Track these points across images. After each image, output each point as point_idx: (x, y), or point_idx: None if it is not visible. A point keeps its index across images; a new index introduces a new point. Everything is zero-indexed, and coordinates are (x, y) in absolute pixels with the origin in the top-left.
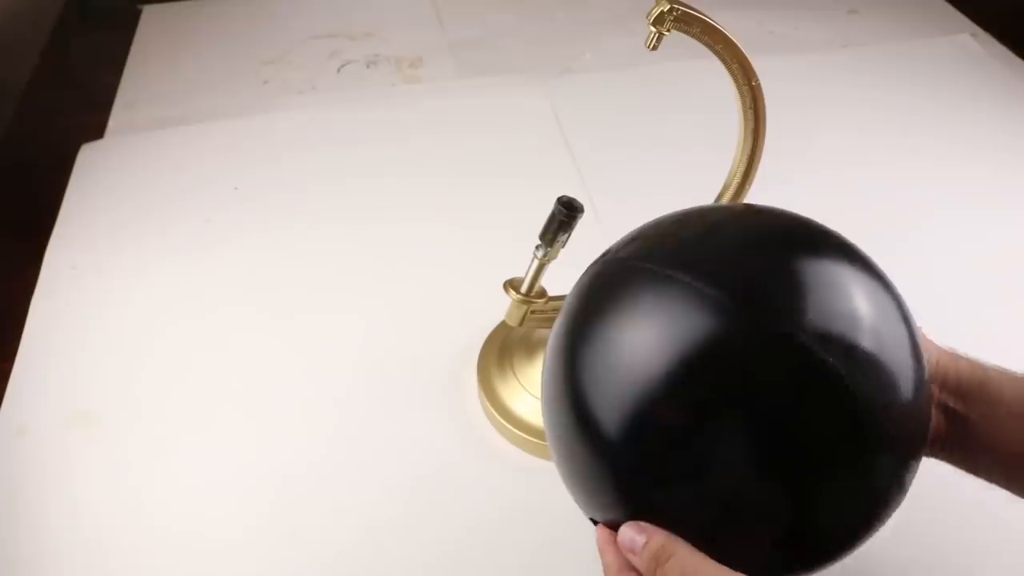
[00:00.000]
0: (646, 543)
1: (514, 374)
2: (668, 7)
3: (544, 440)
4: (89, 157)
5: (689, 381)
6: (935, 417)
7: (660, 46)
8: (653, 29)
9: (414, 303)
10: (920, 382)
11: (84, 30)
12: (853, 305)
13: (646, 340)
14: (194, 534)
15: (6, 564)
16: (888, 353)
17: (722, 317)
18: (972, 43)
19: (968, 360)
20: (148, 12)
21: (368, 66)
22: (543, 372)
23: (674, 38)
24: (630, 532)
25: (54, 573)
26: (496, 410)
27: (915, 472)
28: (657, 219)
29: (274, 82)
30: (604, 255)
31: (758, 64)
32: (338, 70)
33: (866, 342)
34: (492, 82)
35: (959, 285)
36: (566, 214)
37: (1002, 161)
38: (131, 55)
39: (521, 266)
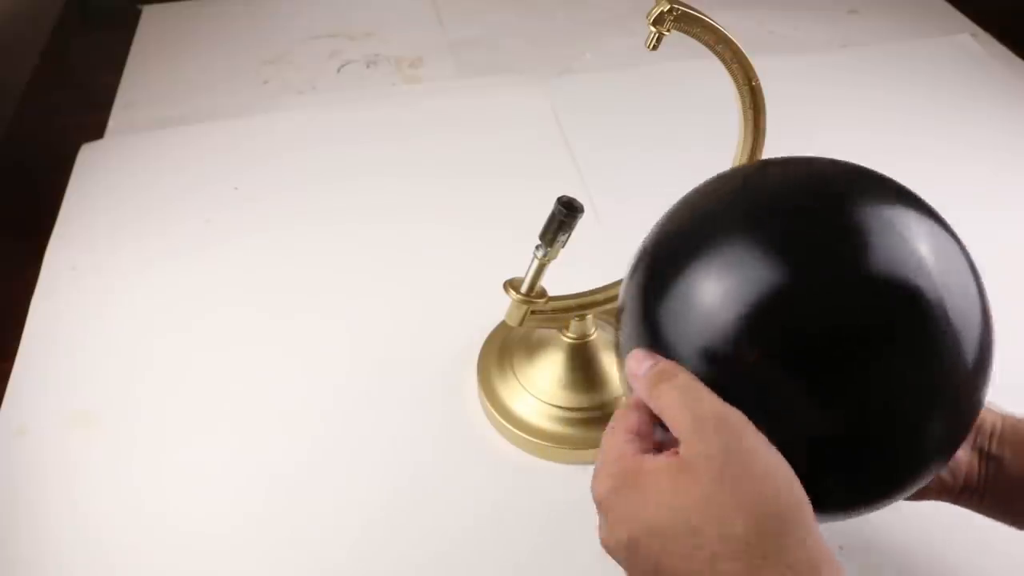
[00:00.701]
0: (654, 364)
1: (514, 374)
2: (668, 7)
3: (544, 440)
4: (89, 157)
5: (760, 324)
6: (969, 462)
7: (660, 46)
8: (653, 29)
9: (414, 303)
10: (985, 341)
11: (84, 30)
12: (921, 255)
13: (720, 288)
14: (194, 534)
15: (6, 564)
16: (956, 306)
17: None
18: (972, 43)
19: (1003, 413)
20: (148, 12)
21: (368, 66)
22: (622, 314)
23: (674, 38)
24: (639, 355)
25: (54, 573)
26: (496, 410)
27: (958, 444)
28: (693, 191)
29: (274, 82)
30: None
31: (758, 64)
32: (338, 70)
33: (933, 293)
34: (492, 82)
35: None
36: (566, 214)
37: (1002, 161)
38: (131, 55)
39: (521, 266)
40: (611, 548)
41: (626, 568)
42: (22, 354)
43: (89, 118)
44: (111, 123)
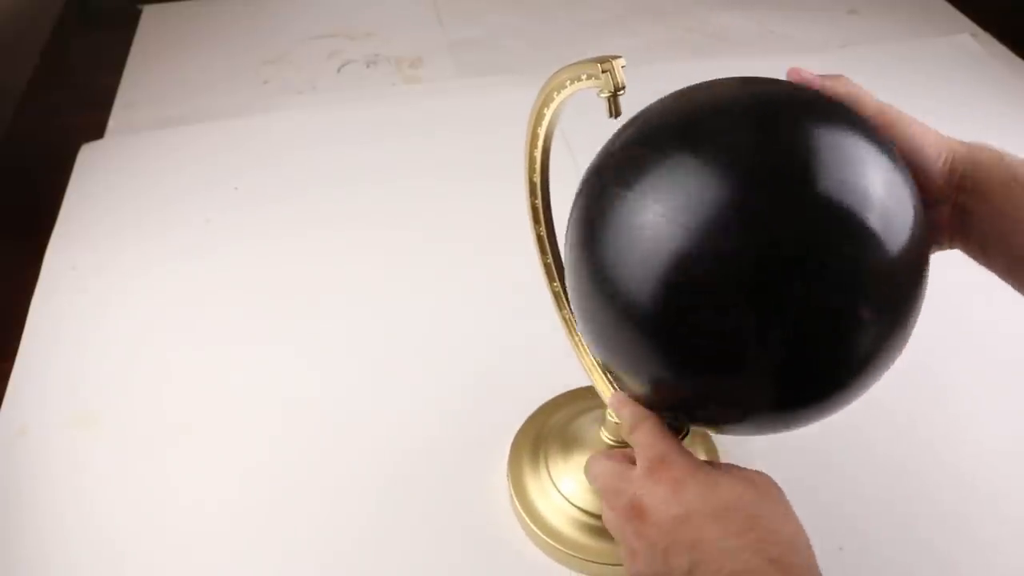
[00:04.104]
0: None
1: (547, 467)
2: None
3: (564, 547)
4: (89, 157)
5: (709, 248)
6: (944, 212)
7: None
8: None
9: (415, 305)
10: (918, 242)
11: (84, 30)
12: (857, 172)
13: (666, 213)
14: (194, 533)
15: (7, 564)
16: (891, 213)
17: (737, 185)
18: (972, 43)
19: (992, 153)
20: (148, 12)
21: (368, 66)
22: (567, 251)
23: (675, 38)
24: (618, 401)
25: (55, 573)
26: (522, 504)
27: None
28: (657, 101)
29: (274, 82)
30: (609, 147)
31: (758, 64)
32: (338, 70)
33: (870, 209)
34: (492, 82)
35: (959, 285)
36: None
37: None
38: (131, 55)
39: (522, 266)
40: (660, 520)
41: (661, 543)
42: (22, 354)
43: (89, 118)
44: (111, 123)
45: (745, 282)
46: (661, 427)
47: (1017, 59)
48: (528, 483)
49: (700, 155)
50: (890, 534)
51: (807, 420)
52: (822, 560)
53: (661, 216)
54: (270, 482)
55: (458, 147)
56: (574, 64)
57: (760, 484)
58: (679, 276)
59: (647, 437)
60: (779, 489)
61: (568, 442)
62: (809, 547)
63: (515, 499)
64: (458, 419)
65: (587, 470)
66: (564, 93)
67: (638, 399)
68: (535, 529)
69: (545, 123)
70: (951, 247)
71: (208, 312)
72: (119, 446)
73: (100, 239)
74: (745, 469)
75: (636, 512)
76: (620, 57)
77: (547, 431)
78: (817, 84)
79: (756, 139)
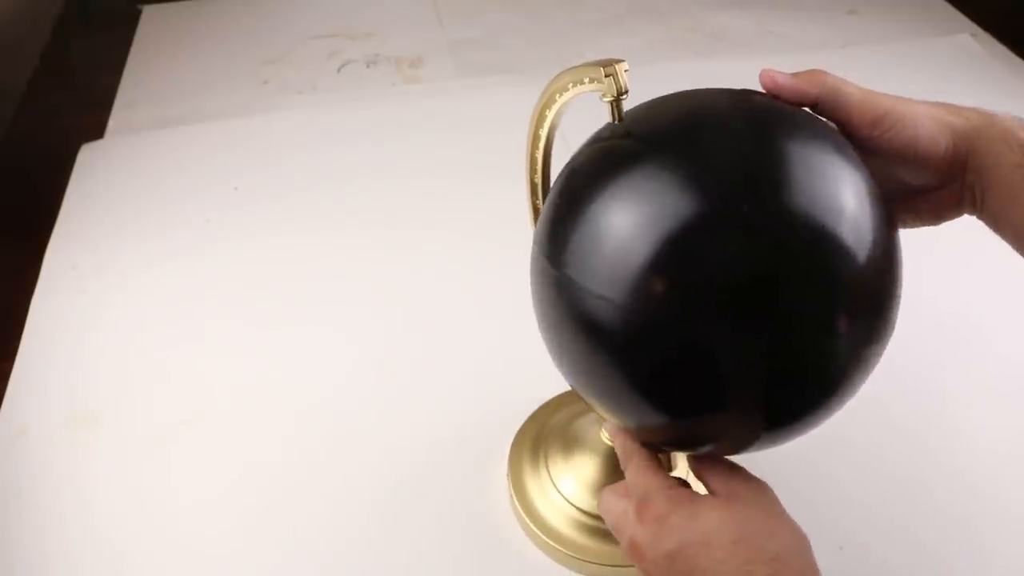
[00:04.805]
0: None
1: (547, 467)
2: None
3: (562, 546)
4: (89, 157)
5: (672, 258)
6: (953, 190)
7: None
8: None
9: (415, 305)
10: (888, 250)
11: (84, 30)
12: (825, 184)
13: (630, 222)
14: (195, 533)
15: (7, 564)
16: (856, 227)
17: (700, 195)
18: (972, 43)
19: (992, 125)
20: (148, 12)
21: (368, 66)
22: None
23: (674, 38)
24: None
25: (56, 573)
26: (521, 504)
27: (881, 341)
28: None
29: (274, 82)
30: (582, 149)
31: (758, 64)
32: (338, 70)
33: (835, 219)
34: (492, 82)
35: (958, 284)
36: None
37: None
38: (131, 55)
39: (521, 268)
40: (655, 557)
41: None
42: (22, 354)
43: (89, 118)
44: (111, 123)
45: (717, 296)
46: (647, 462)
47: (1017, 59)
48: (528, 483)
49: (671, 165)
50: (890, 534)
51: (790, 437)
52: (822, 560)
53: (629, 226)
54: (270, 481)
55: (458, 147)
56: (577, 67)
57: (746, 500)
58: (649, 287)
59: (633, 476)
60: (769, 498)
61: (568, 442)
62: (803, 553)
63: (515, 499)
64: (459, 418)
65: (599, 505)
66: (566, 96)
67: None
68: (535, 529)
69: (547, 124)
70: (960, 215)
71: (208, 312)
72: (119, 446)
73: (100, 239)
74: (733, 481)
75: (635, 551)
76: (623, 61)
77: (547, 431)
78: (790, 84)
79: (728, 151)
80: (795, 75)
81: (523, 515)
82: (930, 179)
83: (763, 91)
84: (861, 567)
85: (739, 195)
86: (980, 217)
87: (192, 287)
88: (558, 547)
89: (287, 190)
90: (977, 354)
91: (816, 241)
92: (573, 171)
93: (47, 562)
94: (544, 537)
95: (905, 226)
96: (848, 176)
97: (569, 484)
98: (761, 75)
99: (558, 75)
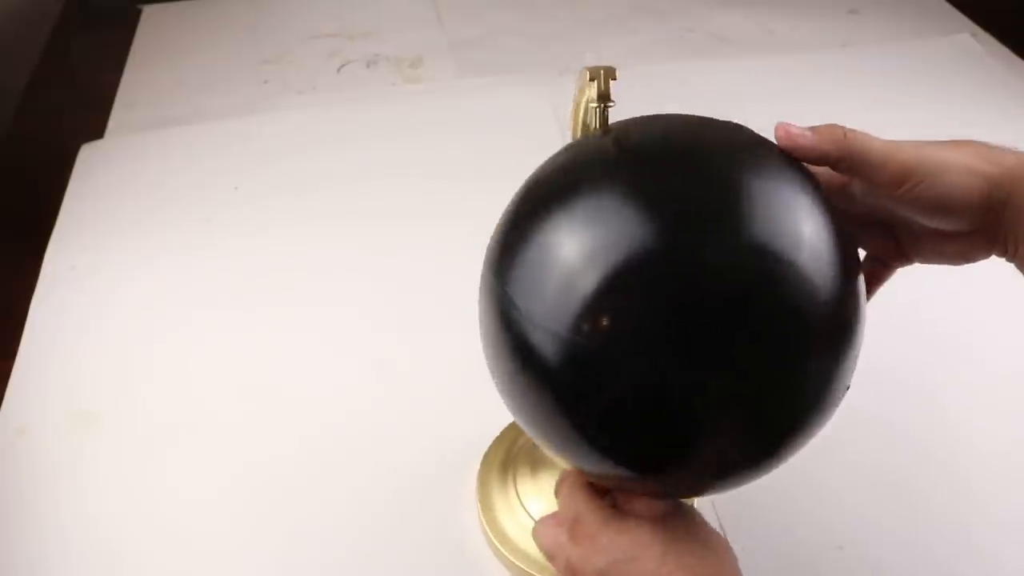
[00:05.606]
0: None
1: (515, 486)
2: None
3: (529, 567)
4: (89, 157)
5: (619, 290)
6: (984, 236)
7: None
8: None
9: (415, 306)
10: (849, 286)
11: (84, 30)
12: (786, 219)
13: (580, 249)
14: (196, 532)
15: (7, 564)
16: (812, 260)
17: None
18: (972, 43)
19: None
20: (148, 12)
21: (368, 66)
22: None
23: (675, 38)
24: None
25: (56, 572)
26: (489, 525)
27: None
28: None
29: (274, 82)
30: (542, 168)
31: (758, 64)
32: (338, 70)
33: (793, 253)
34: (492, 82)
35: (958, 284)
36: None
37: None
38: (131, 55)
39: None
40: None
41: None
42: (22, 354)
43: (89, 118)
44: (111, 123)
45: (670, 331)
46: (577, 483)
47: (1017, 59)
48: (496, 502)
49: (625, 192)
50: (890, 534)
51: (750, 478)
52: (822, 559)
53: (578, 253)
54: (270, 481)
55: (458, 147)
56: (585, 68)
57: (671, 521)
58: (596, 319)
59: (565, 499)
60: (692, 519)
61: (536, 461)
62: (729, 565)
63: (483, 518)
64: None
65: (533, 535)
66: (583, 97)
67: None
68: (502, 549)
69: (580, 122)
70: (988, 257)
71: (208, 312)
72: (119, 446)
73: (100, 239)
74: (659, 504)
75: (571, 574)
76: (613, 68)
77: (517, 449)
78: (807, 141)
79: (686, 180)
80: (814, 130)
81: (490, 535)
82: (960, 227)
83: (722, 120)
84: (861, 567)
85: (697, 226)
86: (1012, 261)
87: (192, 287)
88: (524, 567)
89: (287, 190)
90: (978, 350)
91: (775, 275)
92: (536, 181)
93: (47, 562)
94: (510, 557)
95: (926, 263)
96: (810, 210)
97: (537, 504)
98: (776, 128)
99: (580, 71)
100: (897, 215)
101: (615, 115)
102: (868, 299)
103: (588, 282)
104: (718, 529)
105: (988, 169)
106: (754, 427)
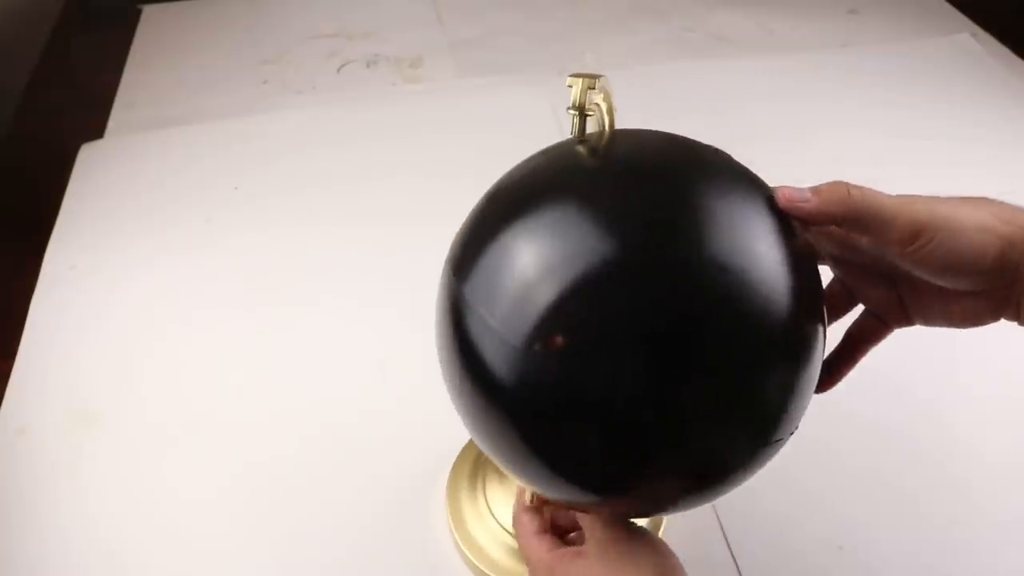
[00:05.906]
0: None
1: (483, 491)
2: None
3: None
4: (89, 157)
5: (580, 305)
6: (995, 297)
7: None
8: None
9: (415, 306)
10: (811, 298)
11: (84, 30)
12: (745, 235)
13: (538, 261)
14: (195, 532)
15: (7, 564)
16: (763, 275)
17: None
18: (972, 43)
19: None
20: (148, 12)
21: (368, 66)
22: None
23: (674, 38)
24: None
25: (56, 572)
26: (458, 531)
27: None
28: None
29: (274, 82)
30: (506, 177)
31: (758, 64)
32: (338, 70)
33: (753, 268)
34: (492, 82)
35: None
36: None
37: (1002, 161)
38: (131, 55)
39: None
40: None
41: None
42: (22, 354)
43: (89, 118)
44: (111, 123)
45: (628, 346)
46: (529, 521)
47: (1017, 59)
48: (465, 508)
49: (584, 206)
50: (889, 535)
51: (714, 495)
52: (823, 559)
53: (536, 264)
54: (270, 481)
55: (458, 147)
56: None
57: (614, 550)
58: (552, 332)
59: (521, 543)
60: (648, 539)
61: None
62: None
63: (452, 524)
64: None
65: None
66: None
67: None
68: (470, 556)
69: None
70: (996, 321)
71: (207, 311)
72: (119, 445)
73: (100, 239)
74: (613, 528)
75: None
76: (600, 76)
77: (486, 455)
78: (811, 206)
79: (643, 196)
80: (816, 191)
81: (459, 541)
82: (970, 287)
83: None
84: (861, 566)
85: (655, 240)
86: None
87: (192, 286)
88: (491, 574)
89: (287, 190)
90: (977, 350)
91: (731, 293)
92: (504, 185)
93: (47, 562)
94: (478, 563)
95: (928, 325)
96: (770, 232)
97: (505, 510)
98: (776, 193)
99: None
100: (902, 270)
101: (617, 117)
102: (859, 359)
103: (544, 295)
104: (718, 529)
105: (1003, 228)
106: (708, 444)
